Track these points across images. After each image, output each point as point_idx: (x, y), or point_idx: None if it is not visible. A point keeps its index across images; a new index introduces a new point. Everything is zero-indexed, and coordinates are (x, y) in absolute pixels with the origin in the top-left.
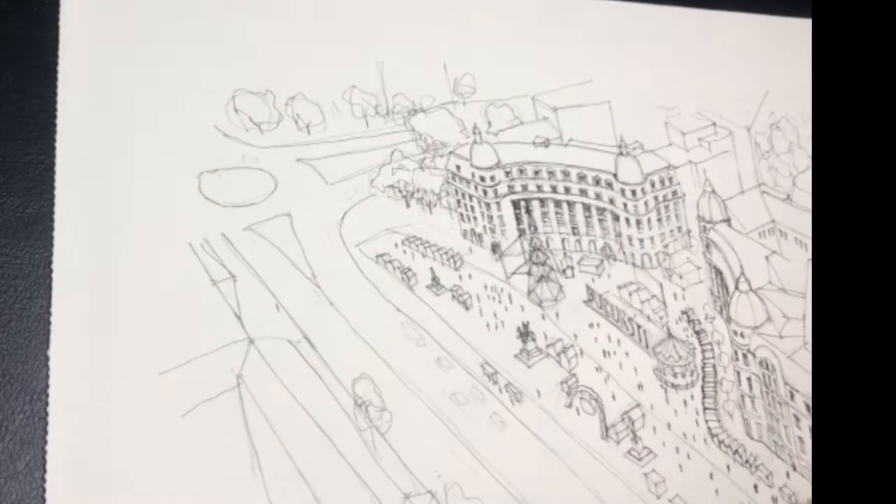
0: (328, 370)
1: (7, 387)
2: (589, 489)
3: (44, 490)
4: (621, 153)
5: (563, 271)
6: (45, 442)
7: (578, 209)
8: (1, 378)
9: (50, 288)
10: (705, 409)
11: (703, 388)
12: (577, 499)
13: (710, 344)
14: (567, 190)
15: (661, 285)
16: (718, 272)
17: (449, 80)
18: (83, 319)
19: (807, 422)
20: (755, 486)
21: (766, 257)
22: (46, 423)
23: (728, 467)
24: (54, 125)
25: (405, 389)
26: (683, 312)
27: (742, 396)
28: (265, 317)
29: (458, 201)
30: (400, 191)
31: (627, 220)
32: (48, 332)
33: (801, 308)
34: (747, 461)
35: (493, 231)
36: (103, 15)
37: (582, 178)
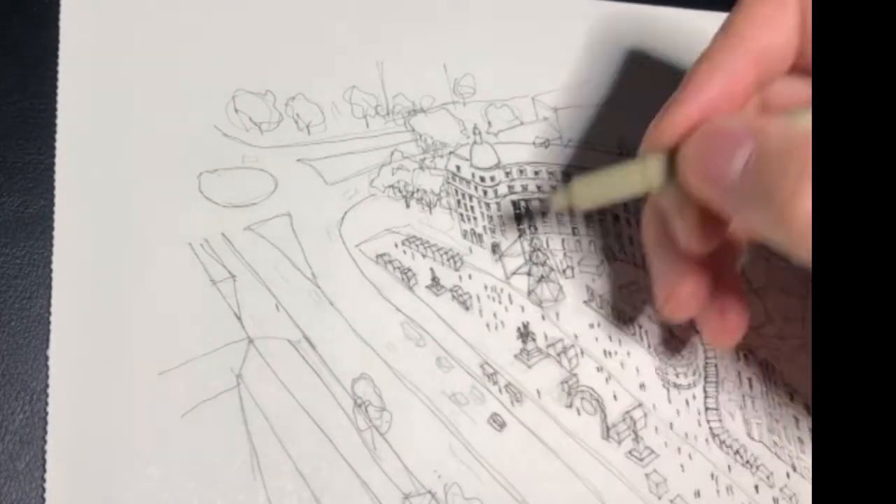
0: (328, 370)
1: (7, 387)
2: (590, 489)
3: (44, 490)
4: (621, 153)
5: (564, 271)
6: (45, 442)
7: (578, 209)
8: (0, 378)
9: (50, 288)
10: (707, 409)
11: (704, 388)
12: (577, 499)
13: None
14: None
15: None
16: None
17: (449, 80)
18: (83, 319)
19: (806, 422)
20: (756, 487)
21: (766, 258)
22: (46, 424)
23: (729, 468)
24: (54, 125)
25: (405, 389)
26: None
27: (743, 397)
28: (265, 317)
29: (458, 201)
30: (400, 191)
31: (628, 220)
32: (48, 332)
33: (800, 309)
34: (748, 462)
35: (493, 231)
36: (103, 15)
37: None
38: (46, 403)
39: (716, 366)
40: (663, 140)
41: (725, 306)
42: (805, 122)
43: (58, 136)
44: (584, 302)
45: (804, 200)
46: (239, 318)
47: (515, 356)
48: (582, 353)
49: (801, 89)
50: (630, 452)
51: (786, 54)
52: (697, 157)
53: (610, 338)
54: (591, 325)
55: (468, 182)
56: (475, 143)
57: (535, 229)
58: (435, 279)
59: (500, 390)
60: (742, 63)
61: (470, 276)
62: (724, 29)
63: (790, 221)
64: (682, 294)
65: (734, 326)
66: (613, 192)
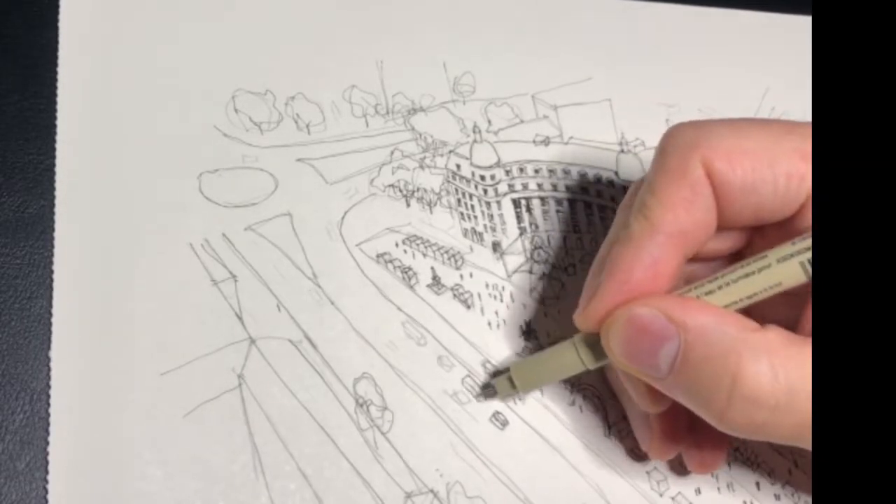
0: (329, 370)
1: (7, 387)
2: (592, 487)
3: (46, 491)
4: (622, 151)
5: (566, 269)
6: (46, 443)
7: (579, 207)
8: (1, 378)
9: (50, 288)
10: None
11: None
12: (580, 496)
13: None
14: (568, 188)
15: None
16: None
17: (449, 79)
18: (84, 320)
19: None
20: (757, 484)
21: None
22: (47, 424)
23: (729, 465)
24: (54, 125)
25: (406, 389)
26: None
27: None
28: (266, 317)
29: (459, 200)
30: (400, 190)
31: None
32: (48, 332)
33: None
34: (749, 458)
35: (493, 230)
36: (103, 15)
37: (583, 175)
38: (47, 404)
39: None
40: (591, 324)
41: (702, 441)
42: (720, 303)
43: (58, 136)
44: None
45: (740, 414)
46: (240, 318)
47: (517, 354)
48: None
49: (727, 242)
50: (632, 450)
51: (707, 229)
52: (622, 349)
53: None
54: None
55: (468, 181)
56: (475, 141)
57: (536, 227)
58: (436, 278)
59: None
60: (665, 248)
61: (471, 275)
62: (642, 212)
63: (729, 427)
64: (659, 443)
65: (711, 459)
66: (552, 374)
